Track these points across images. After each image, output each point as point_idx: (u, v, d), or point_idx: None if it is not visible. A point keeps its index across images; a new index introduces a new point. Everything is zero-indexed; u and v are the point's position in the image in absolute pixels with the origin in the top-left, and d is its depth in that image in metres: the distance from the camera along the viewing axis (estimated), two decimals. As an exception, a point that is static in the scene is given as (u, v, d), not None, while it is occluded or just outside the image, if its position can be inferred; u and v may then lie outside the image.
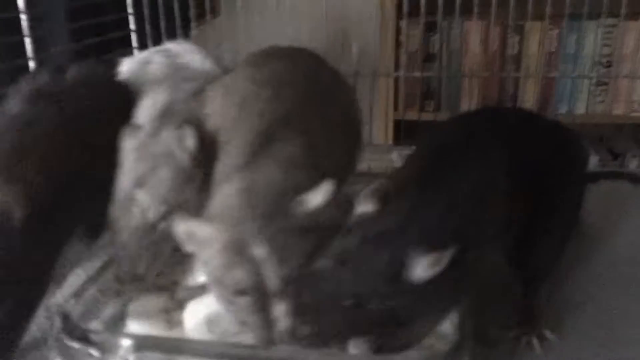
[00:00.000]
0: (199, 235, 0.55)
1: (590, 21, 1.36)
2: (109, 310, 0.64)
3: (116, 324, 0.63)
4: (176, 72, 0.75)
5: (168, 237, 0.59)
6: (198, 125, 0.62)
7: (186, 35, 1.32)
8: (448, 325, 0.57)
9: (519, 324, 0.67)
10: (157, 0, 1.21)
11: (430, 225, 0.52)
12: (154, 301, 0.65)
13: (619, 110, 1.44)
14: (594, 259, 0.79)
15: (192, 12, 1.25)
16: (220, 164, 0.61)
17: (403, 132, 1.38)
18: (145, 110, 0.68)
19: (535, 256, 0.65)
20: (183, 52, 0.80)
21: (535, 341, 0.65)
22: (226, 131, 0.63)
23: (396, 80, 1.45)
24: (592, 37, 1.39)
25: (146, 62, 0.79)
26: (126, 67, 0.77)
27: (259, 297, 0.53)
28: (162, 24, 1.21)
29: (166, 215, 0.60)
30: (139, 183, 0.60)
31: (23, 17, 0.89)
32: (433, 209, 0.53)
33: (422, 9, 1.14)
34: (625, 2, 1.08)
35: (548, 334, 0.66)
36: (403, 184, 0.57)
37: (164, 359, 0.53)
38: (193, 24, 1.28)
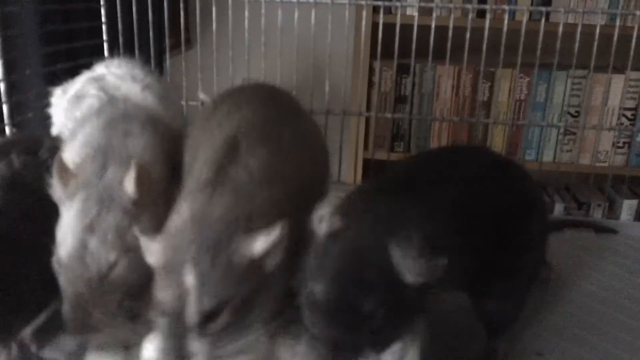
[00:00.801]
0: (150, 250, 0.54)
1: (560, 72, 1.39)
2: (70, 341, 0.61)
3: (77, 355, 0.60)
4: (112, 107, 0.71)
5: (121, 285, 0.58)
6: (140, 164, 0.60)
7: (160, 65, 1.31)
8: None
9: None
10: (132, 29, 1.20)
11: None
12: (115, 334, 0.62)
13: (585, 160, 1.47)
14: (559, 310, 0.79)
15: (166, 43, 1.25)
16: (187, 182, 0.60)
17: (372, 171, 1.38)
18: (81, 149, 0.63)
19: (496, 301, 0.64)
20: (119, 81, 0.77)
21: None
22: (189, 154, 0.63)
23: (367, 120, 1.45)
24: (561, 87, 1.43)
25: (79, 97, 0.76)
26: (57, 108, 0.73)
27: (176, 323, 0.51)
28: (136, 53, 1.20)
29: (117, 262, 0.58)
30: (90, 229, 0.57)
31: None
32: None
33: (395, 51, 1.15)
34: (594, 54, 1.10)
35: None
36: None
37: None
38: (167, 55, 1.28)
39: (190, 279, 0.51)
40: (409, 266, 0.49)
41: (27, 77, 0.95)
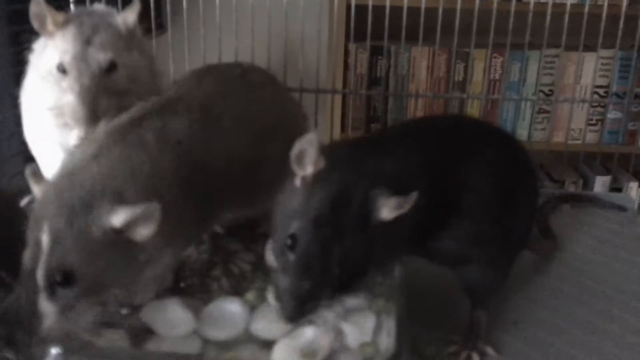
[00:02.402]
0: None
1: (533, 51, 1.40)
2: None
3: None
4: None
5: (119, 87, 0.71)
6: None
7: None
8: (385, 337, 0.55)
9: (461, 340, 0.65)
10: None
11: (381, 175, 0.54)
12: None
13: (558, 138, 1.48)
14: (536, 280, 0.79)
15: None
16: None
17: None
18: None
19: (479, 270, 0.64)
20: None
21: (475, 356, 0.63)
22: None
23: (343, 102, 1.45)
24: (535, 66, 1.44)
25: None
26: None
27: (30, 284, 0.50)
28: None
29: (116, 66, 0.72)
30: (87, 42, 0.71)
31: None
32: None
33: (368, 33, 1.15)
34: (565, 33, 1.11)
35: (489, 350, 0.64)
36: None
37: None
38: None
39: (44, 237, 0.50)
40: (385, 201, 0.51)
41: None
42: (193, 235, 0.64)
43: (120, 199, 0.51)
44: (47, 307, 0.50)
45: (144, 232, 0.51)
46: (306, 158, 0.52)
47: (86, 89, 0.69)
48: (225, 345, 0.57)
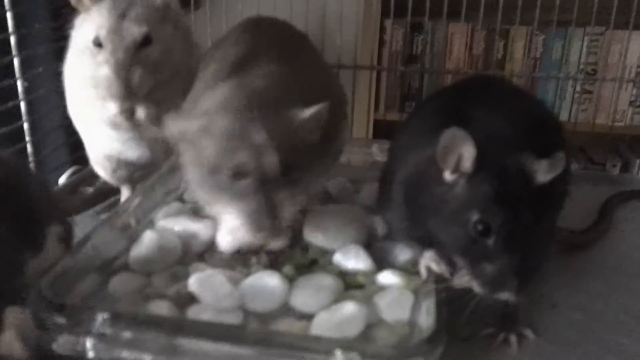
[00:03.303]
0: (191, 129, 0.57)
1: (577, 28, 1.36)
2: (86, 285, 0.60)
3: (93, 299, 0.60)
4: None
5: (153, 63, 0.72)
6: None
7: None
8: (424, 316, 0.56)
9: (499, 321, 0.65)
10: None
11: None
12: (131, 281, 0.62)
13: (601, 119, 1.45)
14: (577, 264, 0.78)
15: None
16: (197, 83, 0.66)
17: (383, 131, 1.37)
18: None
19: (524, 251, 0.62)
20: None
21: (513, 338, 0.63)
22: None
23: (378, 79, 1.44)
24: (578, 45, 1.40)
25: None
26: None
27: (260, 178, 0.55)
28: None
29: (151, 41, 0.73)
30: (122, 15, 0.73)
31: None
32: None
33: (409, 9, 1.13)
34: (614, 10, 1.07)
35: (528, 332, 0.64)
36: None
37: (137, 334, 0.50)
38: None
39: (260, 138, 0.56)
40: (538, 165, 0.53)
41: (36, 31, 0.94)
42: None
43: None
44: (282, 196, 0.56)
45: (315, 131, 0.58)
46: (464, 155, 0.52)
47: (121, 62, 0.70)
48: (265, 318, 0.58)
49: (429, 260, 0.59)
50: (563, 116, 1.46)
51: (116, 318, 0.50)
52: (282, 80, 0.62)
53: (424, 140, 0.59)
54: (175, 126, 0.59)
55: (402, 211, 0.60)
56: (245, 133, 0.56)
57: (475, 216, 0.52)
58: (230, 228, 0.63)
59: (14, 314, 0.37)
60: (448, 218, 0.54)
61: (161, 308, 0.57)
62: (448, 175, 0.54)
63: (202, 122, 0.57)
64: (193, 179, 0.62)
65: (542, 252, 0.55)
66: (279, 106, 0.58)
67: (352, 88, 1.17)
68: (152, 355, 0.49)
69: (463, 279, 0.57)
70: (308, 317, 0.57)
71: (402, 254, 0.67)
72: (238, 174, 0.56)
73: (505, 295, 0.53)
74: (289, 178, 0.57)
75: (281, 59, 0.65)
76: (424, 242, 0.59)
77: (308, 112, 0.58)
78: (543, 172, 0.53)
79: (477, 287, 0.54)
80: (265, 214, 0.56)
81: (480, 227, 0.52)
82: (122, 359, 0.49)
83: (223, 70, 0.64)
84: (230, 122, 0.57)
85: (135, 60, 0.71)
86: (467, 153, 0.52)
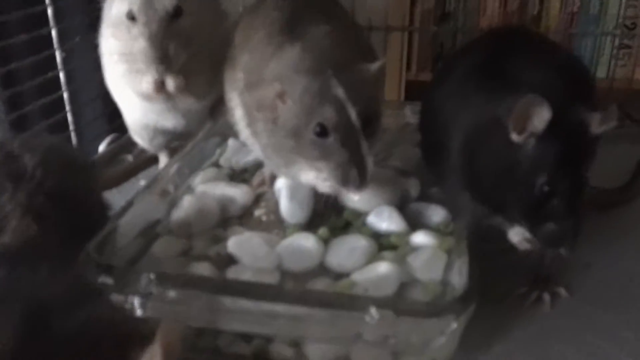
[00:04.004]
0: (268, 96, 0.59)
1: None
2: (131, 248, 0.63)
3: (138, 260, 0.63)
4: None
5: (186, 34, 0.73)
6: None
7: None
8: (457, 276, 0.57)
9: (532, 281, 0.65)
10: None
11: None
12: (173, 244, 0.65)
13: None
14: (611, 223, 0.77)
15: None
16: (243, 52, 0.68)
17: (415, 92, 1.36)
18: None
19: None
20: None
21: (547, 297, 0.64)
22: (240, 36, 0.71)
23: (409, 41, 1.41)
24: (617, -2, 1.35)
25: None
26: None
27: (343, 133, 0.57)
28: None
29: (182, 13, 0.74)
30: None
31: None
32: None
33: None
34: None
35: (561, 290, 0.65)
36: None
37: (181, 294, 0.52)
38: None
39: (341, 92, 0.57)
40: (592, 117, 0.53)
41: (73, 3, 0.96)
42: None
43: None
44: (366, 147, 0.58)
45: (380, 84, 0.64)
46: (535, 118, 0.52)
47: (155, 34, 0.71)
48: (301, 278, 0.60)
49: (518, 236, 0.59)
50: (601, 72, 1.42)
51: (161, 278, 0.52)
52: (339, 40, 0.63)
53: (477, 103, 0.59)
54: (249, 98, 0.61)
55: (460, 176, 0.60)
56: (324, 91, 0.57)
57: (543, 178, 0.53)
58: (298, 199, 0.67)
59: (167, 330, 0.37)
60: (514, 179, 0.54)
61: (202, 269, 0.60)
62: (516, 137, 0.54)
63: (278, 87, 0.58)
64: (271, 143, 0.63)
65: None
66: (346, 63, 0.60)
67: (383, 49, 1.16)
68: (196, 312, 0.52)
69: (519, 237, 0.58)
70: (343, 277, 0.59)
71: (436, 215, 0.68)
72: (322, 131, 0.57)
73: (563, 252, 0.54)
74: (367, 131, 0.58)
75: (327, 20, 0.66)
76: (483, 205, 0.59)
77: (375, 66, 0.60)
78: (597, 125, 0.53)
79: (537, 245, 0.56)
80: (352, 168, 0.57)
81: (546, 188, 0.53)
82: (167, 316, 0.51)
83: (274, 35, 0.65)
84: (308, 83, 0.58)
85: (168, 32, 0.72)
86: (541, 117, 0.52)
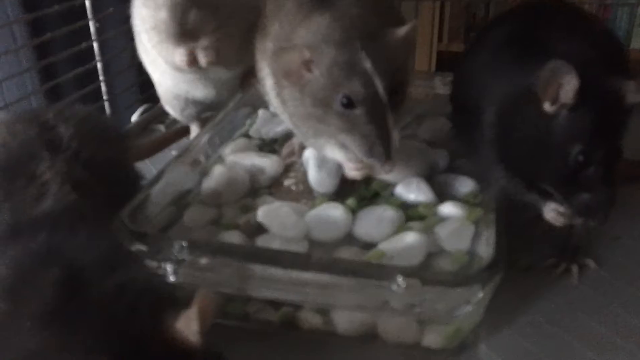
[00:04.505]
0: (293, 61, 0.59)
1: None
2: (163, 216, 0.65)
3: (169, 228, 0.65)
4: None
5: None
6: None
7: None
8: (484, 246, 0.57)
9: (561, 253, 0.65)
10: None
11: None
12: (204, 212, 0.66)
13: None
14: (639, 196, 0.76)
15: None
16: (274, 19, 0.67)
17: (446, 64, 1.34)
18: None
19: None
20: None
21: (575, 268, 0.64)
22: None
23: (441, 10, 1.40)
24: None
25: None
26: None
27: (370, 105, 0.57)
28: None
29: None
30: None
31: None
32: None
33: None
34: None
35: (590, 262, 0.65)
36: None
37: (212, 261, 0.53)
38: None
39: (369, 65, 0.57)
40: (627, 86, 0.53)
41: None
42: None
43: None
44: (393, 125, 0.58)
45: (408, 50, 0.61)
46: (567, 87, 0.52)
47: (175, 4, 0.71)
48: (329, 247, 0.61)
49: (552, 212, 0.59)
50: (636, 43, 1.39)
51: (193, 246, 0.54)
52: (369, 9, 0.63)
53: (510, 73, 0.58)
54: (278, 63, 0.61)
55: (492, 147, 0.60)
56: (352, 62, 0.57)
57: (577, 148, 0.52)
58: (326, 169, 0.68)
59: (205, 296, 0.38)
60: (547, 150, 0.54)
61: (233, 237, 0.61)
62: (548, 107, 0.53)
63: (306, 54, 0.58)
64: (298, 112, 0.63)
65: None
66: (375, 32, 0.59)
67: (414, 20, 1.14)
68: (227, 279, 0.53)
69: (554, 213, 0.58)
70: (370, 247, 0.60)
71: (464, 186, 0.68)
72: (349, 103, 0.57)
73: (594, 223, 0.54)
74: (394, 102, 0.58)
75: None
76: (515, 176, 0.59)
77: (402, 31, 0.60)
78: (633, 93, 0.52)
79: (570, 216, 0.56)
80: (377, 140, 0.57)
81: (581, 158, 0.53)
82: (199, 282, 0.53)
83: (304, 3, 0.64)
84: (337, 54, 0.58)
85: (191, 2, 0.72)
86: (570, 85, 0.51)
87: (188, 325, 0.37)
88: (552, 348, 0.56)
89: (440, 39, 1.44)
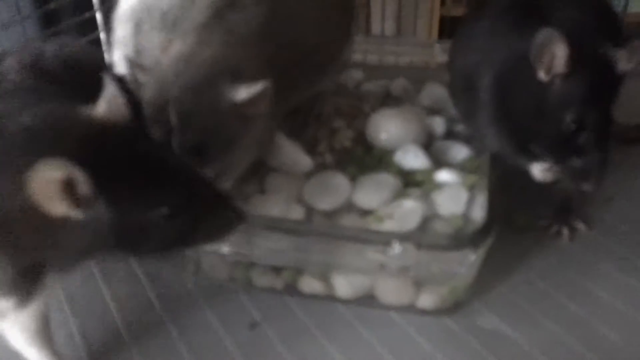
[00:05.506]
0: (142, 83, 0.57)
1: None
2: None
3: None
4: None
5: None
6: None
7: None
8: (478, 210, 0.59)
9: (554, 215, 0.67)
10: None
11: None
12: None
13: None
14: (633, 159, 0.77)
15: None
16: (181, 23, 0.62)
17: (448, 29, 1.33)
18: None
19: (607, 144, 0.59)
20: None
21: (565, 231, 0.66)
22: None
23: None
24: None
25: None
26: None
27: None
28: None
29: None
30: None
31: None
32: None
33: None
34: None
35: (580, 225, 0.66)
36: None
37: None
38: None
39: (173, 116, 0.53)
40: (620, 53, 0.54)
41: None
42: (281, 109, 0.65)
43: (238, 77, 0.55)
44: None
45: (258, 107, 0.54)
46: (558, 55, 0.53)
47: None
48: (329, 214, 0.63)
49: (537, 169, 0.60)
50: (635, 7, 1.37)
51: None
52: (243, 42, 0.59)
53: (509, 40, 0.59)
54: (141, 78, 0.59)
55: (489, 112, 0.61)
56: (163, 109, 0.54)
57: (571, 114, 0.54)
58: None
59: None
60: (542, 116, 0.55)
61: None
62: (543, 75, 0.54)
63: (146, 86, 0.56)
64: None
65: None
66: (216, 79, 0.54)
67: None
68: (230, 246, 0.55)
69: (539, 169, 0.60)
70: (369, 212, 0.62)
71: (460, 153, 0.70)
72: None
73: (586, 187, 0.56)
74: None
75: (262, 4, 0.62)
76: (510, 140, 0.60)
77: (242, 92, 0.54)
78: (625, 61, 0.54)
79: (564, 180, 0.58)
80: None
81: (574, 125, 0.54)
82: (203, 250, 0.55)
83: (192, 17, 0.61)
84: (155, 96, 0.55)
85: None
86: (561, 53, 0.52)
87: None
88: (545, 305, 0.58)
89: (443, 3, 1.42)
